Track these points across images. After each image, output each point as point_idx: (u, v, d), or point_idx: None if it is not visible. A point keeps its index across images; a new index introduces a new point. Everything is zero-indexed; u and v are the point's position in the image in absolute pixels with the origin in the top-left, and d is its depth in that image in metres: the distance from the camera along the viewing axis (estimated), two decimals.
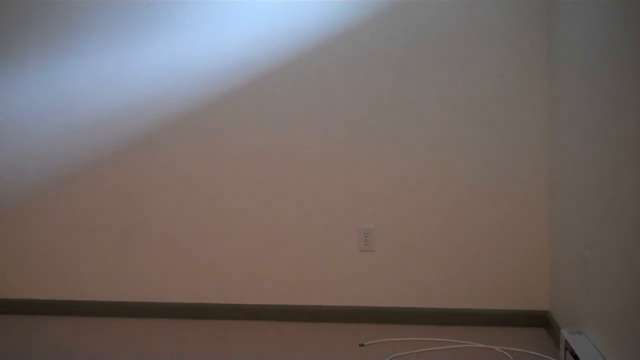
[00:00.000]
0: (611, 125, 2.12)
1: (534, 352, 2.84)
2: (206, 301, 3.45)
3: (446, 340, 3.03)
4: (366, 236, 3.33)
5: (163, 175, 3.46)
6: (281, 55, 3.35)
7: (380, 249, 3.33)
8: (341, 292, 3.37)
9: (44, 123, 3.54)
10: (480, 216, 3.25)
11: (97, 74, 3.48)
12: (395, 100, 3.29)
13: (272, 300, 3.41)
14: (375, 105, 3.30)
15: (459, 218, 3.27)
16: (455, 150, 3.25)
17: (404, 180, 3.30)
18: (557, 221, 2.99)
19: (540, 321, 3.21)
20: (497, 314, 3.24)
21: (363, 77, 3.30)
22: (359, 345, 2.98)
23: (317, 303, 3.39)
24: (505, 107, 3.22)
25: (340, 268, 3.36)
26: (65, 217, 3.55)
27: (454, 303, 3.29)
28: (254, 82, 3.37)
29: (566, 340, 2.43)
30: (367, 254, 3.34)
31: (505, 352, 2.84)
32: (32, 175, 3.56)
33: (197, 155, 3.43)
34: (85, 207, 3.53)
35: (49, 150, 3.54)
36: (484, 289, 3.27)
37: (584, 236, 2.47)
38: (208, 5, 3.38)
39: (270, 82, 3.36)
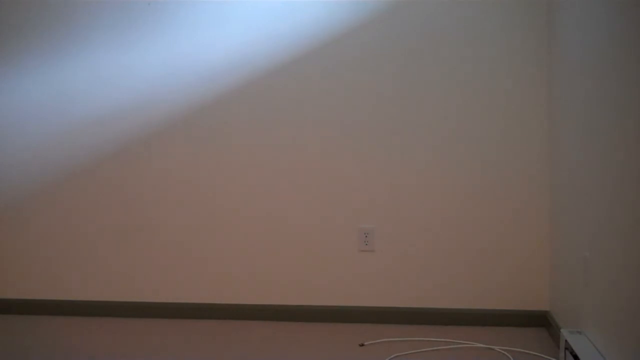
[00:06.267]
0: (611, 126, 2.12)
1: (534, 352, 2.84)
2: (206, 301, 3.45)
3: (446, 340, 3.03)
4: (366, 236, 3.33)
5: (163, 174, 3.46)
6: (281, 55, 3.35)
7: (380, 249, 3.33)
8: (341, 292, 3.37)
9: (43, 122, 3.54)
10: (481, 216, 3.25)
11: (96, 73, 3.48)
12: (396, 100, 3.29)
13: (272, 300, 3.42)
14: (376, 105, 3.30)
15: (459, 218, 3.27)
16: (455, 150, 3.25)
17: (404, 181, 3.30)
18: (557, 221, 2.99)
19: (540, 321, 3.22)
20: (497, 314, 3.24)
21: (363, 78, 3.30)
22: (359, 345, 2.98)
23: (317, 303, 3.39)
24: (506, 107, 3.22)
25: (340, 268, 3.36)
26: (65, 217, 3.55)
27: (454, 303, 3.29)
28: (254, 81, 3.38)
29: (566, 340, 2.43)
30: (367, 254, 3.34)
31: (505, 352, 2.84)
32: (31, 175, 3.56)
33: (196, 154, 3.43)
34: (85, 207, 3.53)
35: (48, 149, 3.54)
36: (484, 289, 3.27)
37: (584, 236, 2.47)
38: (208, 5, 3.38)
39: (271, 82, 3.36)
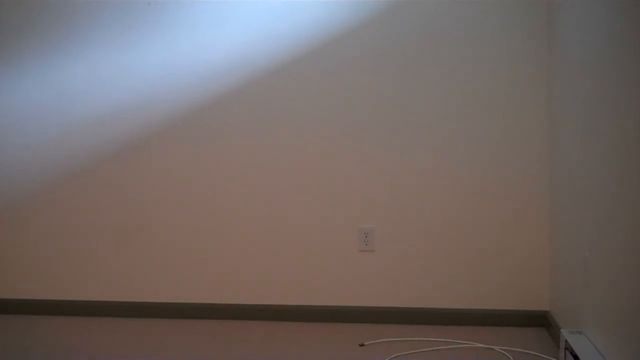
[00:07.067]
0: (611, 125, 2.12)
1: (534, 352, 2.84)
2: (206, 301, 3.45)
3: (446, 340, 3.03)
4: (366, 236, 3.33)
5: (163, 174, 3.46)
6: (281, 55, 3.35)
7: (380, 249, 3.33)
8: (341, 292, 3.37)
9: (43, 122, 3.54)
10: (481, 216, 3.25)
11: (96, 73, 3.48)
12: (396, 100, 3.29)
13: (272, 300, 3.42)
14: (376, 106, 3.30)
15: (459, 218, 3.27)
16: (455, 150, 3.25)
17: (404, 181, 3.30)
18: (558, 221, 2.99)
19: (540, 321, 3.22)
20: (497, 314, 3.24)
21: (363, 78, 3.30)
22: (359, 345, 2.98)
23: (317, 303, 3.39)
24: (506, 107, 3.22)
25: (340, 268, 3.36)
26: (65, 217, 3.55)
27: (454, 303, 3.29)
28: (254, 81, 3.38)
29: (566, 340, 2.43)
30: (367, 254, 3.34)
31: (505, 352, 2.84)
32: (31, 175, 3.56)
33: (196, 154, 3.43)
34: (84, 207, 3.53)
35: (48, 149, 3.54)
36: (484, 289, 3.27)
37: (584, 236, 2.47)
38: (208, 5, 3.38)
39: (271, 82, 3.36)
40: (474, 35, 3.22)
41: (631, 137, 1.93)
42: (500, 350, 2.87)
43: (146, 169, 3.47)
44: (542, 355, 2.80)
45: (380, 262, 3.33)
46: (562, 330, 2.51)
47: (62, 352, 2.94)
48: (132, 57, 3.45)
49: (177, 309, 3.46)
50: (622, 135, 2.00)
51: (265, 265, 3.41)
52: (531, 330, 3.18)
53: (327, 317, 3.36)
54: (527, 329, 3.19)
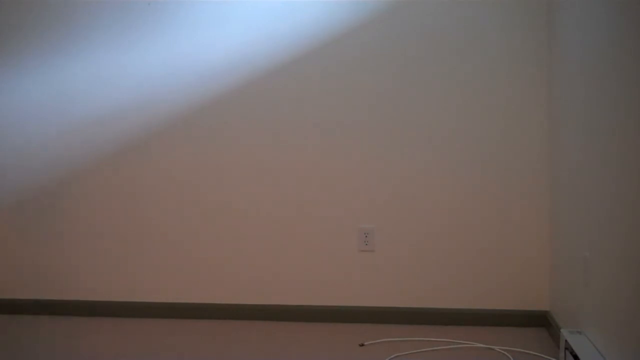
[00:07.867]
0: (611, 125, 2.12)
1: (534, 352, 2.84)
2: (206, 301, 3.45)
3: (446, 340, 3.03)
4: (366, 236, 3.33)
5: (163, 175, 3.46)
6: (281, 55, 3.35)
7: (380, 249, 3.33)
8: (341, 292, 3.37)
9: (43, 122, 3.54)
10: (481, 216, 3.25)
11: (96, 73, 3.48)
12: (396, 100, 3.29)
13: (272, 300, 3.42)
14: (375, 106, 3.30)
15: (459, 218, 3.27)
16: (455, 150, 3.26)
17: (404, 181, 3.30)
18: (558, 221, 2.99)
19: (540, 321, 3.22)
20: (497, 314, 3.24)
21: (363, 78, 3.30)
22: (359, 345, 2.98)
23: (317, 303, 3.39)
24: (506, 107, 3.22)
25: (340, 268, 3.36)
26: (65, 217, 3.55)
27: (454, 303, 3.29)
28: (254, 81, 3.38)
29: (566, 340, 2.43)
30: (367, 254, 3.34)
31: (505, 352, 2.84)
32: (32, 175, 3.56)
33: (196, 154, 3.43)
34: (84, 207, 3.53)
35: (48, 149, 3.54)
36: (484, 289, 3.27)
37: (584, 236, 2.47)
38: (208, 5, 3.38)
39: (271, 82, 3.36)
40: (474, 35, 3.22)
41: (631, 137, 1.93)
42: (500, 350, 2.87)
43: (146, 169, 3.47)
44: (542, 355, 2.80)
45: (380, 262, 3.33)
46: (562, 330, 2.51)
47: (62, 352, 2.94)
48: (132, 57, 3.45)
49: (177, 309, 3.46)
50: (622, 135, 2.00)
51: (265, 265, 3.41)
52: (531, 330, 3.18)
53: (327, 317, 3.36)
54: (527, 329, 3.19)
